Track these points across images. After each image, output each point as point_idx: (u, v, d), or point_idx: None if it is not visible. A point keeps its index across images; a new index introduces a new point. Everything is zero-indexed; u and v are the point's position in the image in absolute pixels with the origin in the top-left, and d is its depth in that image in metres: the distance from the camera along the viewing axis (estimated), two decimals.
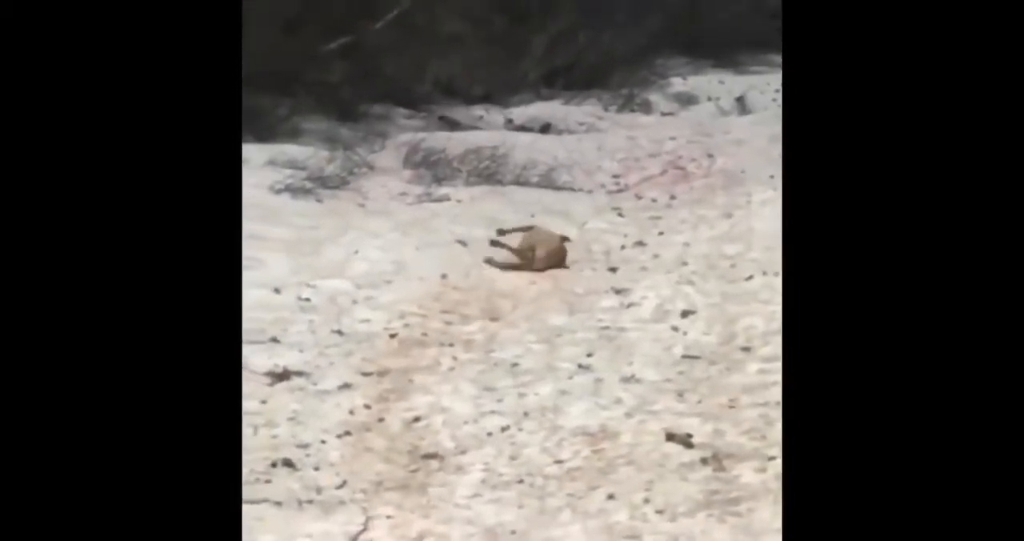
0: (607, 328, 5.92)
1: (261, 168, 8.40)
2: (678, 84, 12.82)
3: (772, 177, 9.07)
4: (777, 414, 4.70)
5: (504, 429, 4.73)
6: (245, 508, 3.75)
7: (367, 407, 4.95)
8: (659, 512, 4.08)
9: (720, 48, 14.35)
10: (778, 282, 6.36)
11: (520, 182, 9.31)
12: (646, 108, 12.11)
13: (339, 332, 5.78)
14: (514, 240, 7.32)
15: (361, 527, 4.00)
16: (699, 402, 4.93)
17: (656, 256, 7.21)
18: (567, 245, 7.23)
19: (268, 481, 4.26)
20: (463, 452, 4.56)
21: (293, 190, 8.08)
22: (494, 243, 7.38)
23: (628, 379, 5.20)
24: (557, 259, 7.10)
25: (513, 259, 7.08)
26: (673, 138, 10.58)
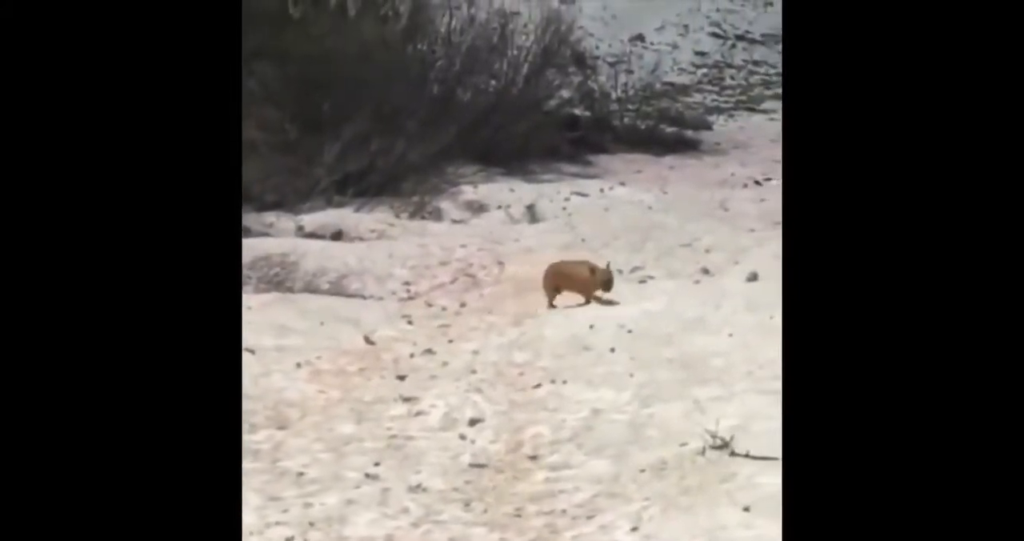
0: (395, 436, 5.91)
1: None
2: (469, 192, 12.95)
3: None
4: (563, 523, 4.75)
5: (289, 540, 4.67)
6: None
7: None
8: None
9: (511, 157, 14.58)
10: (566, 390, 6.45)
11: (311, 289, 9.30)
12: (437, 216, 12.21)
13: None
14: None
15: None
16: (485, 511, 4.95)
17: (445, 364, 7.23)
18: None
19: None
20: None
21: None
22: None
23: (415, 488, 5.19)
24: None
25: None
26: (464, 245, 10.69)
